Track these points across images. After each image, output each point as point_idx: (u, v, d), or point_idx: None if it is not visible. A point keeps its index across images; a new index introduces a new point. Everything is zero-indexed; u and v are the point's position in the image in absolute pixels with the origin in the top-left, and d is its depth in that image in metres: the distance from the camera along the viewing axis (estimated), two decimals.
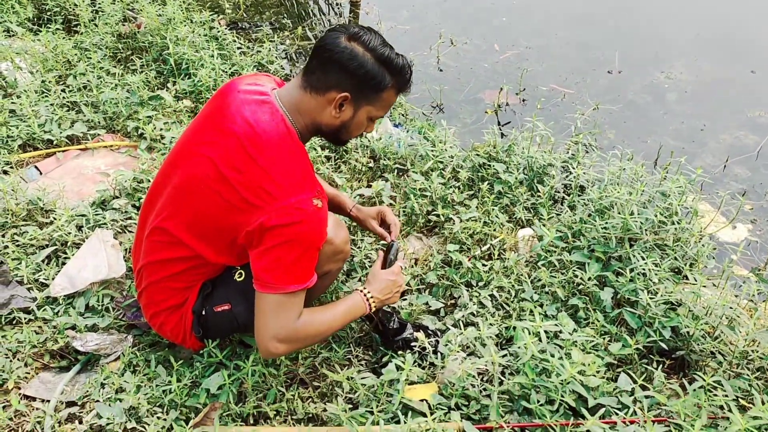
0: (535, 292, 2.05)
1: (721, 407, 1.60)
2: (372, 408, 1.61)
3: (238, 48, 3.40)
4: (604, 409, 1.61)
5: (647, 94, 3.63)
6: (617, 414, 1.60)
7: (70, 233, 2.17)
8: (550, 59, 3.95)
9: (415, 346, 1.80)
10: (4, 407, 1.66)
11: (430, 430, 1.50)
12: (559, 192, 2.58)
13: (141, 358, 1.79)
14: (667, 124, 3.39)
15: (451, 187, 2.52)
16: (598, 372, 1.70)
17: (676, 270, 2.15)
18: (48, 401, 1.68)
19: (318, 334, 1.55)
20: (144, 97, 2.96)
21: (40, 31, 3.40)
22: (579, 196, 2.43)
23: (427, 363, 1.81)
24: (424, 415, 1.59)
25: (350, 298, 1.67)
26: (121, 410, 1.63)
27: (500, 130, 3.26)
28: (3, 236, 2.18)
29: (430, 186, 2.46)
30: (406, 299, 2.06)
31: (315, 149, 2.67)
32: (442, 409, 1.63)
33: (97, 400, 1.67)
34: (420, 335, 1.82)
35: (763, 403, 1.54)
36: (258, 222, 1.41)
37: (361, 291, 1.69)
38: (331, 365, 1.82)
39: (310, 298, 1.72)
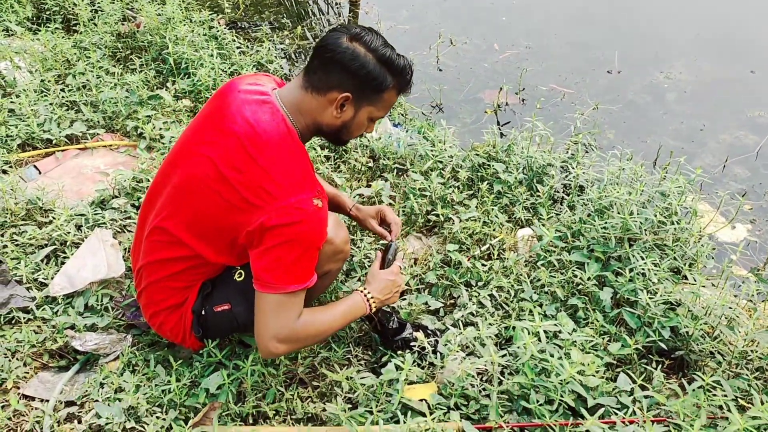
0: (535, 292, 2.05)
1: (720, 407, 1.60)
2: (371, 408, 1.61)
3: (238, 47, 3.40)
4: (603, 409, 1.61)
5: (647, 94, 3.64)
6: (616, 414, 1.60)
7: (69, 233, 2.17)
8: (549, 59, 3.95)
9: (414, 346, 1.80)
10: (3, 407, 1.66)
11: (430, 430, 1.50)
12: (558, 192, 2.58)
13: (140, 358, 1.79)
14: (666, 124, 3.39)
15: (450, 186, 2.52)
16: (597, 372, 1.70)
17: (676, 270, 2.15)
18: (47, 401, 1.68)
19: (318, 334, 1.55)
20: (143, 97, 2.95)
21: (40, 31, 3.40)
22: (578, 196, 2.43)
23: (427, 363, 1.81)
24: (423, 414, 1.59)
25: (350, 298, 1.67)
26: (120, 410, 1.63)
27: (500, 129, 3.26)
28: (2, 236, 2.18)
29: (429, 186, 2.46)
30: (405, 299, 2.06)
31: (315, 149, 2.67)
32: (441, 408, 1.63)
33: (96, 400, 1.67)
34: (419, 335, 1.82)
35: (762, 403, 1.54)
36: (258, 222, 1.41)
37: (361, 291, 1.69)
38: (331, 365, 1.82)
39: (310, 298, 1.72)
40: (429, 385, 1.72)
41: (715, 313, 1.86)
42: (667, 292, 1.94)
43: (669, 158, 2.85)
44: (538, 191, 2.48)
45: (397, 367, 1.67)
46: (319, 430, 1.60)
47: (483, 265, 2.17)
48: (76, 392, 1.72)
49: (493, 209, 2.39)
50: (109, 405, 1.65)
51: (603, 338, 1.87)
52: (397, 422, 1.52)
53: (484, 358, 1.65)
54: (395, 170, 2.68)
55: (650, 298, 1.92)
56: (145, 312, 1.70)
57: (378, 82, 1.48)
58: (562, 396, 1.59)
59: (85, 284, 1.96)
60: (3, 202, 2.27)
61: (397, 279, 1.77)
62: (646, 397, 1.63)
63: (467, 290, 2.09)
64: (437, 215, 2.38)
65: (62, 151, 2.67)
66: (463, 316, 1.99)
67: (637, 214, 2.14)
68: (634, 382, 1.68)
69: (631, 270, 2.02)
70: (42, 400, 1.69)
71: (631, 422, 1.57)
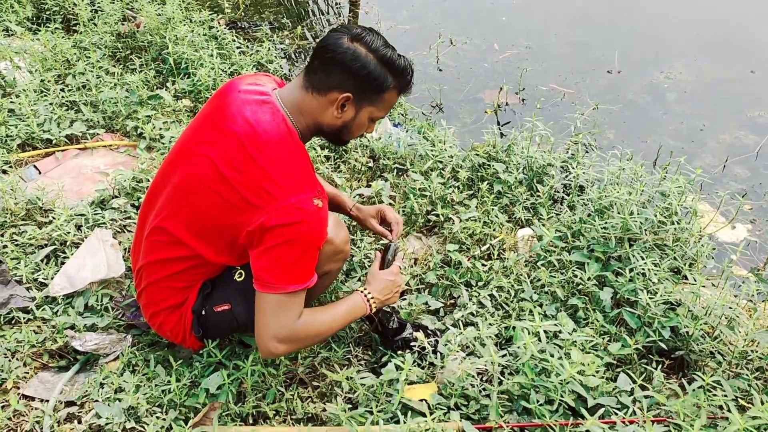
0: (535, 292, 2.05)
1: (721, 407, 1.60)
2: (371, 408, 1.61)
3: (238, 47, 3.40)
4: (603, 409, 1.61)
5: (647, 94, 3.64)
6: (616, 414, 1.60)
7: (69, 233, 2.17)
8: (549, 59, 3.95)
9: (414, 346, 1.80)
10: (3, 407, 1.66)
11: (430, 430, 1.50)
12: (558, 192, 2.58)
13: (140, 358, 1.79)
14: (666, 124, 3.39)
15: (450, 186, 2.52)
16: (597, 372, 1.70)
17: (676, 270, 2.15)
18: (47, 401, 1.68)
19: (318, 334, 1.55)
20: (143, 97, 2.95)
21: (39, 31, 3.40)
22: (578, 196, 2.43)
23: (427, 363, 1.81)
24: (423, 415, 1.58)
25: (351, 298, 1.67)
26: (120, 410, 1.63)
27: (500, 129, 3.26)
28: (2, 236, 2.18)
29: (429, 186, 2.46)
30: (405, 299, 2.06)
31: (315, 149, 2.67)
32: (441, 409, 1.63)
33: (96, 400, 1.67)
34: (419, 335, 1.82)
35: (762, 403, 1.54)
36: (258, 222, 1.41)
37: (362, 291, 1.69)
38: (331, 365, 1.82)
39: (310, 298, 1.72)
40: (429, 385, 1.72)
41: (715, 313, 1.86)
42: (667, 292, 1.94)
43: (669, 158, 2.85)
44: (538, 191, 2.48)
45: (397, 367, 1.67)
46: (319, 430, 1.60)
47: (483, 265, 2.17)
48: (76, 392, 1.72)
49: (493, 209, 2.39)
50: (109, 405, 1.65)
51: (603, 338, 1.87)
52: (397, 422, 1.52)
53: (484, 358, 1.65)
54: (395, 170, 2.68)
55: (650, 298, 1.92)
56: (145, 312, 1.70)
57: (379, 82, 1.48)
58: (562, 396, 1.59)
59: (85, 284, 1.96)
60: (3, 202, 2.27)
61: (397, 279, 1.77)
62: (646, 397, 1.63)
63: (467, 290, 2.09)
64: (437, 215, 2.38)
65: (62, 151, 2.67)
66: (463, 316, 1.99)
67: (637, 214, 2.14)
68: (634, 382, 1.68)
69: (631, 270, 2.02)
70: (42, 400, 1.69)
71: (631, 422, 1.57)
